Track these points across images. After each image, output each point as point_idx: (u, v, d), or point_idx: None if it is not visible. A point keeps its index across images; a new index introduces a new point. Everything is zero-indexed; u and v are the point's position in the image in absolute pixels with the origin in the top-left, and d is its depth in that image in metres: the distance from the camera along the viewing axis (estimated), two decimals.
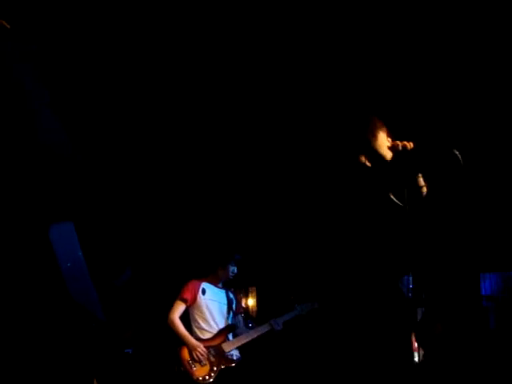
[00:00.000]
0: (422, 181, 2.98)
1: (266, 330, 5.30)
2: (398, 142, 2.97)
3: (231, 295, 5.56)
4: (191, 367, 5.08)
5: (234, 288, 5.83)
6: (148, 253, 7.13)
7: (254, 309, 7.61)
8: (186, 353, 5.14)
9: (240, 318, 5.56)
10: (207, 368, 5.10)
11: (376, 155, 3.06)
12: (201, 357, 5.08)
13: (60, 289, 1.55)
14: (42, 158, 1.54)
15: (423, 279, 6.17)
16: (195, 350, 5.11)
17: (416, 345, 5.72)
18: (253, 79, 5.74)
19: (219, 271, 5.48)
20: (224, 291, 5.53)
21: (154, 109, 6.00)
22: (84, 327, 1.59)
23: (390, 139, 3.11)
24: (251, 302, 7.73)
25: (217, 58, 5.45)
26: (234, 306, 5.52)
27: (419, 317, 6.02)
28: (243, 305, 7.73)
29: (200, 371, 5.07)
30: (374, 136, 3.08)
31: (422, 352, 5.71)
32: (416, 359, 5.63)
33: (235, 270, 5.49)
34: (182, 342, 5.20)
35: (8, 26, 1.77)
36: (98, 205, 1.71)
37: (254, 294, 7.69)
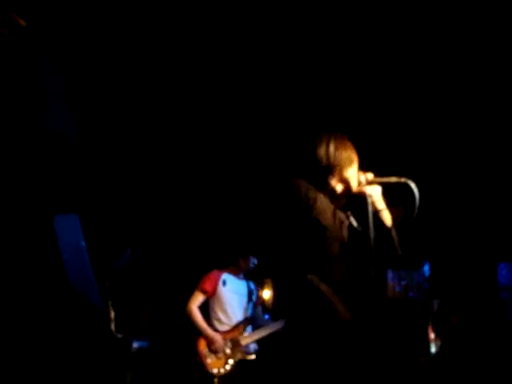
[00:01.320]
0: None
1: (277, 328, 5.24)
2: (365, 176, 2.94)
3: (252, 286, 5.53)
4: (207, 359, 5.09)
5: (255, 283, 5.79)
6: (166, 240, 7.17)
7: (270, 301, 7.63)
8: (202, 344, 5.13)
9: (259, 310, 5.55)
10: (223, 360, 5.10)
11: (345, 183, 2.96)
12: (217, 349, 5.08)
13: (61, 279, 1.56)
14: (48, 146, 1.56)
15: (440, 270, 6.15)
16: (212, 341, 5.11)
17: (433, 336, 5.72)
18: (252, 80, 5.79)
19: (240, 262, 5.45)
20: (245, 282, 5.50)
21: (166, 99, 6.04)
22: (83, 317, 1.60)
23: (360, 171, 3.01)
24: (267, 294, 7.74)
25: (218, 58, 5.50)
26: (254, 297, 5.49)
27: (436, 308, 6.01)
28: (260, 297, 7.75)
29: (216, 363, 5.07)
30: (351, 165, 2.96)
31: (438, 343, 5.70)
32: (433, 350, 5.63)
33: (255, 261, 5.48)
34: (200, 332, 5.21)
35: (24, 24, 1.79)
36: (104, 193, 1.73)
37: (270, 286, 7.72)
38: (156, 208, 7.18)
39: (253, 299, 5.45)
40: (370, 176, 2.96)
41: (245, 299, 5.40)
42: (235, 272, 5.46)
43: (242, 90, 5.98)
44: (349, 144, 2.97)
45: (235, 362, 5.10)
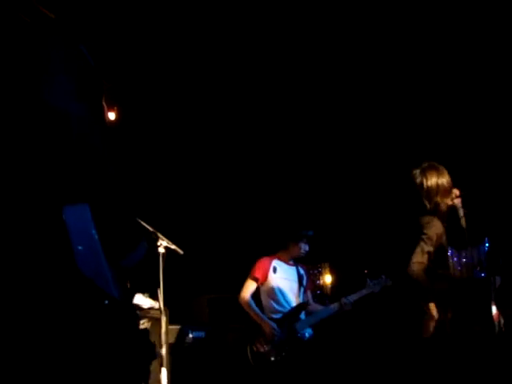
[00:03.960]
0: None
1: (336, 309, 5.19)
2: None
3: (302, 271, 5.46)
4: (263, 347, 5.04)
5: (307, 264, 5.72)
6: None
7: (329, 286, 7.52)
8: (258, 332, 5.10)
9: (310, 294, 5.47)
10: (279, 347, 5.04)
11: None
12: (272, 336, 5.03)
13: (71, 268, 1.52)
14: (58, 135, 1.52)
15: (501, 246, 5.92)
16: (267, 329, 5.06)
17: (496, 314, 5.49)
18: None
19: (290, 248, 5.38)
20: (295, 268, 5.44)
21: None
22: (95, 304, 1.56)
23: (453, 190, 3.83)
24: (325, 278, 7.63)
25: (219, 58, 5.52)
26: (304, 282, 5.42)
27: (498, 284, 5.77)
28: (319, 282, 7.65)
29: (272, 351, 5.03)
30: (450, 189, 3.82)
31: (502, 321, 5.48)
32: (496, 329, 5.40)
33: (307, 248, 5.38)
34: (255, 321, 5.16)
35: (52, 16, 1.77)
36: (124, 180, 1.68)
37: (328, 270, 7.60)
38: (208, 199, 7.21)
39: (303, 284, 5.37)
40: (457, 192, 3.80)
41: (295, 285, 5.33)
42: (285, 258, 5.40)
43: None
44: (444, 170, 3.83)
45: (291, 348, 5.03)
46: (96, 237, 1.61)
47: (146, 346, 1.80)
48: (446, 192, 3.79)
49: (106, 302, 1.59)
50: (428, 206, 3.78)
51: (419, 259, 3.73)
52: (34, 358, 1.50)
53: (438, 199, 3.78)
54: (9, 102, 1.52)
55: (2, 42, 1.54)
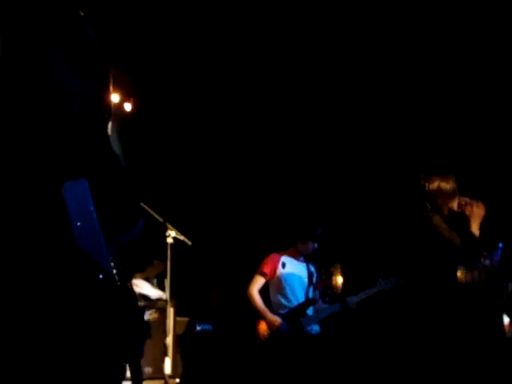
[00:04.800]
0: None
1: (339, 308, 5.17)
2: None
3: (312, 268, 5.43)
4: (268, 341, 5.03)
5: (318, 264, 5.70)
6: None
7: (339, 286, 7.49)
8: (263, 327, 5.08)
9: (318, 292, 5.46)
10: (284, 342, 5.03)
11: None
12: (278, 331, 5.02)
13: (69, 243, 1.52)
14: (57, 110, 1.52)
15: None
16: (272, 324, 5.06)
17: (508, 325, 5.44)
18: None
19: (299, 245, 5.37)
20: (305, 264, 5.40)
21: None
22: (90, 278, 1.56)
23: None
24: (336, 279, 7.60)
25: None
26: (314, 279, 5.39)
27: (510, 290, 5.69)
28: (330, 282, 7.63)
29: (277, 345, 5.01)
30: (454, 194, 3.94)
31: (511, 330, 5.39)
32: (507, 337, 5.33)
33: (316, 246, 5.36)
34: (261, 315, 5.16)
35: (82, 14, 1.77)
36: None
37: (339, 270, 7.57)
38: (220, 194, 7.23)
39: (313, 281, 5.35)
40: (467, 200, 3.97)
41: (305, 281, 5.30)
42: (295, 254, 5.37)
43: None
44: (449, 176, 3.98)
45: (296, 342, 5.02)
46: (94, 213, 1.61)
47: (141, 325, 1.77)
48: (448, 197, 3.92)
49: (101, 276, 1.59)
50: (429, 207, 3.93)
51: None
52: (23, 327, 1.50)
53: (440, 202, 3.91)
54: (5, 76, 1.53)
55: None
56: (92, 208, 1.60)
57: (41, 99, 1.52)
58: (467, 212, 3.90)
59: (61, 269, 1.55)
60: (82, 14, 1.70)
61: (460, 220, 3.96)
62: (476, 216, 3.85)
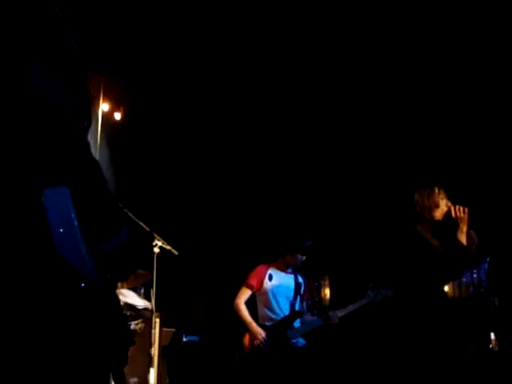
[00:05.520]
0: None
1: (322, 323, 5.14)
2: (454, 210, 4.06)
3: (300, 279, 5.40)
4: (252, 354, 4.99)
5: (307, 276, 5.68)
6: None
7: (327, 298, 7.48)
8: (248, 339, 5.06)
9: (305, 304, 5.44)
10: (268, 354, 5.00)
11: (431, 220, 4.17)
12: (262, 343, 4.99)
13: (49, 250, 1.51)
14: (36, 118, 1.51)
15: (499, 267, 5.89)
16: (257, 336, 5.03)
17: (494, 340, 5.45)
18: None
19: (288, 257, 5.34)
20: (292, 276, 5.37)
21: None
22: (72, 287, 1.54)
23: (448, 202, 4.15)
24: (324, 290, 7.59)
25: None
26: (301, 290, 5.36)
27: (496, 305, 5.70)
28: (319, 294, 7.62)
29: (261, 358, 4.98)
30: (437, 206, 4.14)
31: (497, 348, 5.42)
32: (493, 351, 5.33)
33: (303, 258, 5.35)
34: (246, 327, 5.13)
35: (59, 13, 1.75)
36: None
37: (327, 282, 7.56)
38: (208, 205, 7.22)
39: (301, 293, 5.33)
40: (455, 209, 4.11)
41: (291, 293, 5.28)
42: (282, 266, 5.35)
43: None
44: (434, 191, 4.16)
45: (280, 355, 4.98)
46: (75, 221, 1.59)
47: (124, 332, 1.76)
48: (434, 207, 4.15)
49: (83, 284, 1.57)
50: (416, 219, 4.22)
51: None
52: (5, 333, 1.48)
53: (426, 213, 4.17)
54: None
55: None
56: (73, 215, 1.58)
57: (19, 107, 1.51)
58: (455, 220, 4.07)
59: (41, 277, 1.54)
60: (60, 13, 1.69)
61: (447, 228, 4.12)
62: (462, 223, 4.03)
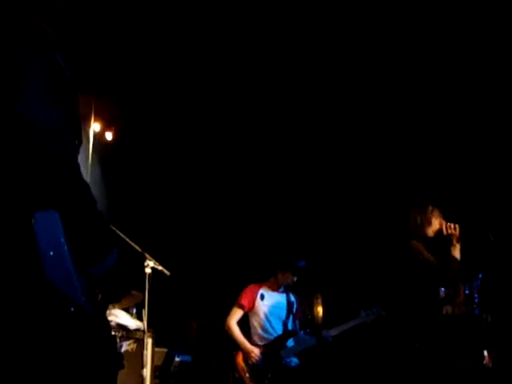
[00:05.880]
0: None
1: (314, 342, 5.15)
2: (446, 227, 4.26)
3: (292, 298, 5.40)
4: (246, 373, 4.98)
5: (299, 295, 5.66)
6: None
7: (320, 316, 7.45)
8: (241, 358, 5.04)
9: (298, 323, 5.41)
10: (262, 374, 4.97)
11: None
12: (255, 363, 4.97)
13: (38, 274, 1.50)
14: (27, 141, 1.51)
15: (492, 283, 5.92)
16: (250, 355, 5.00)
17: (487, 357, 5.45)
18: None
19: (279, 275, 5.34)
20: (284, 295, 5.36)
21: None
22: (61, 311, 1.54)
23: (441, 220, 4.34)
24: (317, 309, 7.56)
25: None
26: (294, 309, 5.35)
27: (489, 322, 5.71)
28: (311, 313, 7.58)
29: (254, 377, 4.95)
30: (430, 223, 4.33)
31: (490, 364, 5.42)
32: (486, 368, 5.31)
33: (295, 279, 5.33)
34: (239, 347, 5.10)
35: (50, 31, 1.76)
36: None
37: (320, 301, 7.53)
38: (200, 225, 7.20)
39: (293, 311, 5.31)
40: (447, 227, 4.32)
41: (284, 312, 5.26)
42: (274, 286, 5.35)
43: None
44: (428, 210, 4.35)
45: (274, 375, 4.96)
46: (65, 245, 1.59)
47: (114, 355, 1.75)
48: (427, 225, 4.35)
49: (72, 309, 1.57)
50: (410, 236, 4.39)
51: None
52: None
53: (418, 231, 4.36)
54: None
55: None
56: (63, 239, 1.58)
57: (8, 130, 1.51)
58: (448, 236, 4.29)
59: (30, 301, 1.53)
60: (50, 31, 1.69)
61: (439, 245, 4.32)
62: (455, 240, 4.26)
